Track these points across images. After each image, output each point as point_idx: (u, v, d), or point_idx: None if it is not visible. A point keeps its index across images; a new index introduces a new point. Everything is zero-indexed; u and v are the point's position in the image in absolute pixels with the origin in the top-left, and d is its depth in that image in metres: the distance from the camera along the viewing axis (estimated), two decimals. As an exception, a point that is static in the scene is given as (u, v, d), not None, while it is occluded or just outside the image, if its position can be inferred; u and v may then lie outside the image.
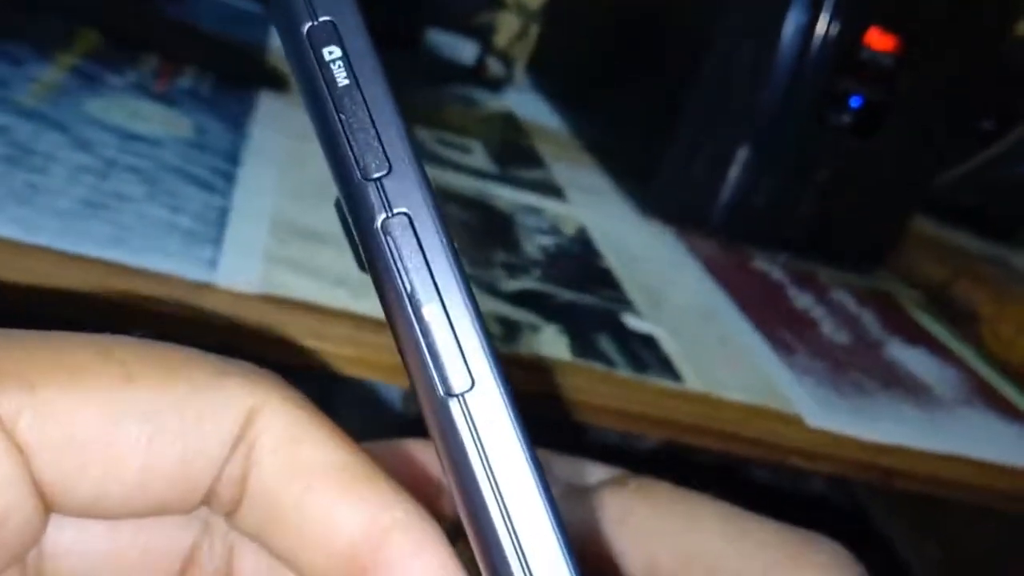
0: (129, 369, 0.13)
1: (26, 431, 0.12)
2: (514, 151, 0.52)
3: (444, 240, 0.13)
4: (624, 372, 0.32)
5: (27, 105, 0.35)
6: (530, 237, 0.40)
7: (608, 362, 0.32)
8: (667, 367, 0.33)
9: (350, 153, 0.13)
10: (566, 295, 0.36)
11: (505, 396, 0.13)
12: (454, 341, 0.13)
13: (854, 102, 0.45)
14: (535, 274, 0.37)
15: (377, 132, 0.13)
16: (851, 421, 0.34)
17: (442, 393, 0.13)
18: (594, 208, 0.47)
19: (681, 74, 0.46)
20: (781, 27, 0.43)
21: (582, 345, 0.33)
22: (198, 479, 0.13)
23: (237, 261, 0.30)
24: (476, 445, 0.13)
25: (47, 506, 0.13)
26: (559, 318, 0.34)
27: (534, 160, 0.51)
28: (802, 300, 0.44)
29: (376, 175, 0.13)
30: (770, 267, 0.47)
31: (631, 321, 0.36)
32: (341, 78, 0.13)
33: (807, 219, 0.48)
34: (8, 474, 0.12)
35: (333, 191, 0.14)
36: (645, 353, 0.34)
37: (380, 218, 0.13)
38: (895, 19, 0.44)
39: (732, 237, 0.48)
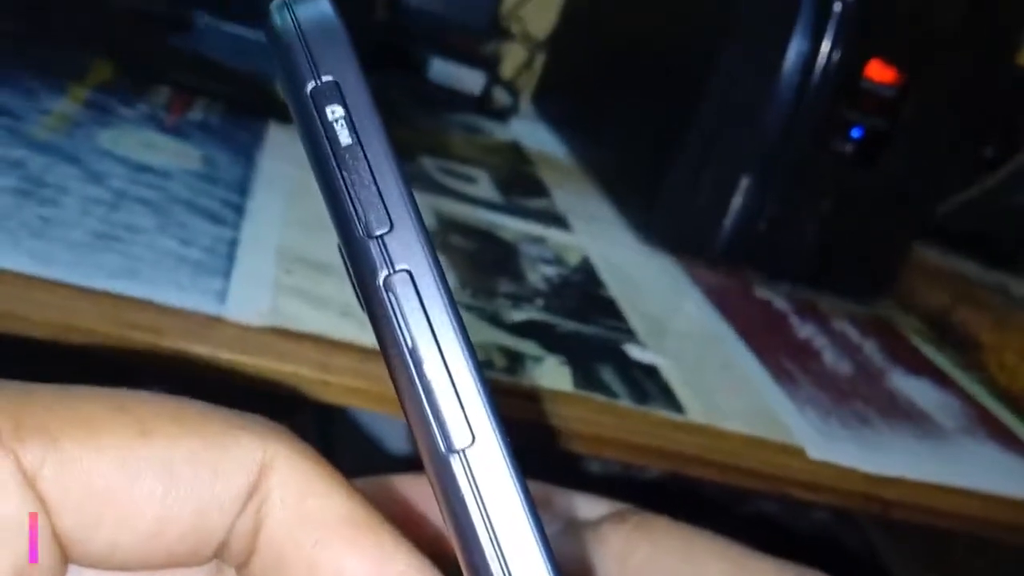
0: (145, 424, 0.13)
1: (47, 483, 0.13)
2: (519, 180, 0.52)
3: (445, 297, 0.13)
4: (626, 403, 0.32)
5: (40, 137, 0.36)
6: (534, 267, 0.41)
7: (610, 393, 0.32)
8: (669, 398, 0.33)
9: (352, 210, 0.13)
10: (569, 325, 0.36)
11: (505, 452, 0.13)
12: (455, 397, 0.13)
13: (855, 132, 0.46)
14: (538, 304, 0.37)
15: (379, 190, 0.13)
16: (853, 452, 0.34)
17: (443, 449, 0.13)
18: (598, 237, 0.47)
19: (684, 103, 0.47)
20: (783, 57, 0.44)
21: (584, 376, 0.33)
22: (211, 532, 0.14)
23: (246, 292, 0.30)
24: (476, 500, 0.13)
25: (65, 557, 0.13)
26: (562, 349, 0.34)
27: (538, 189, 0.51)
28: (804, 329, 0.44)
29: (378, 232, 0.13)
30: (772, 296, 0.47)
31: (633, 351, 0.36)
32: (344, 137, 0.13)
33: (809, 248, 0.48)
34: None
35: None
36: (647, 383, 0.34)
37: (382, 275, 0.13)
38: (896, 51, 0.45)
39: (734, 266, 0.48)
